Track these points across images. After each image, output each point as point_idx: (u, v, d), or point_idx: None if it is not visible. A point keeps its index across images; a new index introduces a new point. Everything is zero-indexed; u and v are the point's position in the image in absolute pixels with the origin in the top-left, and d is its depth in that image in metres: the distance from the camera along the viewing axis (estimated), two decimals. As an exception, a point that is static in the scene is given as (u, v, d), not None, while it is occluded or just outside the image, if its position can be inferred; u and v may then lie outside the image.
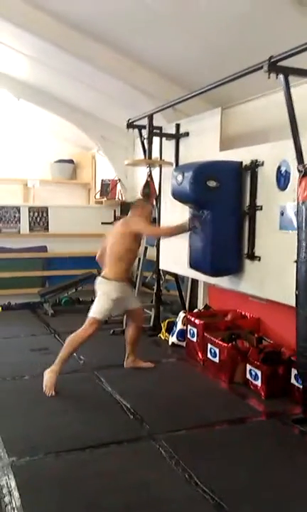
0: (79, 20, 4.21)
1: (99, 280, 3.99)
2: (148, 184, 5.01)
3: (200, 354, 4.41)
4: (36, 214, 7.08)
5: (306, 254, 2.89)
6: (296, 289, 3.02)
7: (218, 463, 2.80)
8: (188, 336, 4.67)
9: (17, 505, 2.37)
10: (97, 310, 3.86)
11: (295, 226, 3.12)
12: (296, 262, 3.00)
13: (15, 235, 6.94)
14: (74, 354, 4.58)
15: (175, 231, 4.11)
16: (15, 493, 2.46)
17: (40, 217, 7.09)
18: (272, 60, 3.05)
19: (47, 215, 7.12)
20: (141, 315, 4.33)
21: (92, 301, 6.09)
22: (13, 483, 2.54)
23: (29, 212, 7.04)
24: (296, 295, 3.02)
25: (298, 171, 3.04)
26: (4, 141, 7.68)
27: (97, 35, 4.38)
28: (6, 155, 7.66)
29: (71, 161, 8.07)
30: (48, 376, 3.74)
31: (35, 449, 2.91)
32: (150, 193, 5.00)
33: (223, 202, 3.90)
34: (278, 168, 3.58)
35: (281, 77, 3.11)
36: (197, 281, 5.30)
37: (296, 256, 3.00)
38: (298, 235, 3.00)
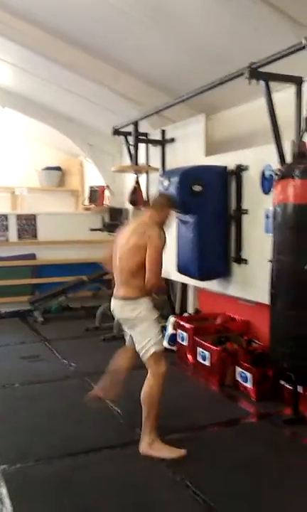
0: (62, 28, 4.24)
1: (120, 304, 3.06)
2: (136, 190, 5.04)
3: (190, 358, 4.44)
4: (24, 222, 7.06)
5: (278, 255, 2.97)
6: (271, 288, 3.09)
7: (210, 465, 2.82)
8: (179, 340, 4.69)
9: (9, 513, 2.37)
10: (152, 341, 2.95)
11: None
12: (271, 261, 3.06)
13: (4, 243, 6.91)
14: (65, 361, 4.61)
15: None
16: (7, 501, 2.46)
17: (28, 225, 7.07)
18: (253, 67, 3.10)
19: (35, 222, 7.10)
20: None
21: (82, 308, 6.01)
22: (4, 491, 2.54)
23: (17, 220, 7.02)
24: (271, 293, 3.09)
25: (275, 174, 3.11)
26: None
27: (81, 43, 4.41)
28: (-8, 163, 7.66)
29: (59, 168, 8.07)
30: (155, 449, 2.91)
31: (26, 456, 2.91)
32: (137, 199, 5.04)
33: (209, 206, 3.95)
34: (262, 172, 3.64)
35: (262, 83, 3.17)
36: (187, 285, 5.33)
37: (272, 256, 3.07)
38: (273, 236, 3.06)
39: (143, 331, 2.97)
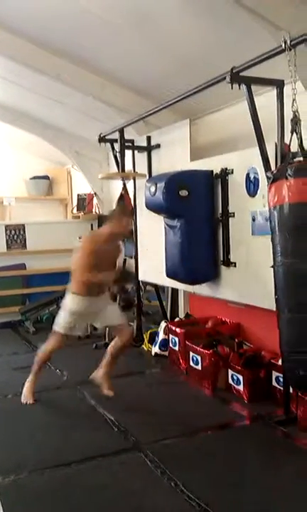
0: (47, 39, 4.25)
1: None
2: (123, 197, 5.06)
3: (182, 362, 4.43)
4: (13, 232, 7.04)
5: (281, 258, 2.87)
6: (275, 293, 2.98)
7: (204, 470, 2.82)
8: (170, 345, 4.69)
9: (3, 525, 2.35)
10: (57, 322, 3.86)
11: (268, 231, 3.14)
12: (273, 266, 2.97)
13: (-7, 253, 6.90)
14: (58, 370, 4.59)
15: (95, 279, 3.68)
16: (2, 513, 2.44)
17: (17, 235, 7.05)
18: (234, 71, 3.13)
19: (24, 232, 7.08)
20: (124, 331, 3.90)
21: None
22: (-2, 504, 2.52)
23: (6, 230, 7.00)
24: (276, 299, 2.97)
25: (267, 177, 3.11)
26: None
27: (66, 54, 4.42)
28: (-21, 174, 7.65)
29: (46, 177, 8.07)
30: (25, 386, 3.91)
31: (20, 467, 2.88)
32: (125, 205, 5.05)
33: (196, 210, 3.97)
34: (247, 175, 3.66)
35: (244, 86, 3.20)
36: (177, 290, 5.34)
37: (273, 260, 2.96)
38: (272, 239, 2.98)
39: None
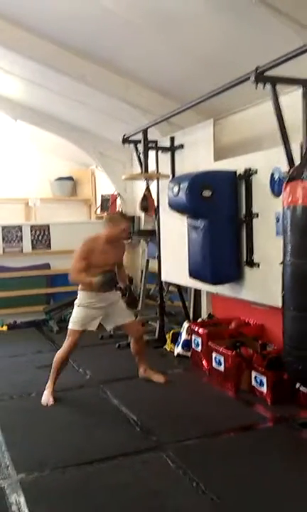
0: (71, 41, 4.31)
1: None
2: (146, 197, 5.07)
3: (205, 363, 4.42)
4: (38, 232, 7.13)
5: (291, 257, 2.93)
6: (282, 291, 3.07)
7: (226, 471, 2.80)
8: (193, 345, 4.68)
9: (26, 522, 2.38)
10: (70, 321, 4.03)
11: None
12: (282, 264, 3.03)
13: (18, 254, 6.99)
14: (81, 369, 4.63)
15: (82, 281, 3.96)
16: (25, 510, 2.46)
17: (42, 235, 7.15)
18: (259, 71, 3.11)
19: (49, 232, 7.17)
20: (133, 328, 4.22)
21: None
22: (22, 500, 2.55)
23: (31, 230, 7.10)
24: (282, 296, 3.07)
25: (282, 177, 3.09)
26: (4, 161, 7.79)
27: (90, 55, 4.47)
28: (6, 175, 7.76)
29: (71, 178, 8.15)
30: (45, 392, 3.93)
31: (43, 464, 2.92)
32: (148, 206, 5.06)
33: (219, 211, 3.95)
34: (272, 175, 3.63)
35: (269, 86, 3.17)
36: (200, 291, 5.32)
37: (282, 258, 3.03)
38: (283, 239, 3.02)
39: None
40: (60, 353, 3.97)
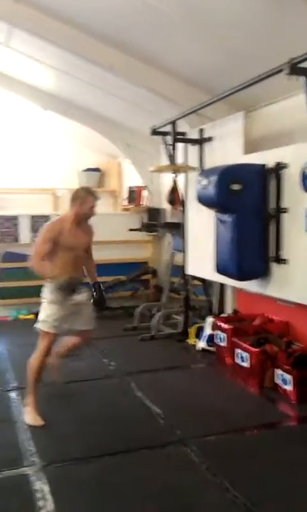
0: (102, 30, 4.29)
1: None
2: (174, 190, 5.04)
3: (228, 359, 4.39)
4: (65, 223, 7.17)
5: None
6: None
7: (249, 468, 2.78)
8: (217, 341, 4.65)
9: (50, 510, 2.41)
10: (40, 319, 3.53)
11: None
12: None
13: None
14: (105, 360, 4.65)
15: (43, 272, 3.43)
16: (49, 498, 2.50)
17: (68, 226, 7.18)
18: (292, 62, 3.04)
19: (75, 223, 7.21)
20: (86, 334, 3.73)
21: (122, 307, 6.11)
22: (46, 488, 2.59)
23: (58, 221, 7.14)
24: None
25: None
26: (33, 152, 7.85)
27: (120, 45, 4.44)
28: (35, 165, 7.83)
29: (98, 170, 8.17)
30: (26, 410, 3.44)
31: (67, 454, 2.95)
32: (175, 198, 5.03)
33: (248, 205, 3.89)
34: (303, 170, 3.55)
35: (303, 78, 3.10)
36: (225, 285, 5.28)
37: None
38: None
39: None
40: (33, 362, 3.42)
